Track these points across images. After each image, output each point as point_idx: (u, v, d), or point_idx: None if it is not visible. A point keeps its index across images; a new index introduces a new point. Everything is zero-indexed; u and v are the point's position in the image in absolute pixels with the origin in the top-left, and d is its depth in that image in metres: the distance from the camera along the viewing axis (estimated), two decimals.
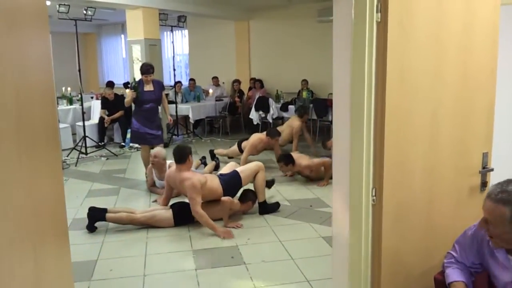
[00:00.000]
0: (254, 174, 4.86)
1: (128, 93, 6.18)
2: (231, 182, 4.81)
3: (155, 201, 5.36)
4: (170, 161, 5.52)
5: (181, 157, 4.56)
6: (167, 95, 6.47)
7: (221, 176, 4.86)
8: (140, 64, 8.33)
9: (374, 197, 2.25)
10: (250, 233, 4.37)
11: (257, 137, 6.68)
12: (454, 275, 2.00)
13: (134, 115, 6.20)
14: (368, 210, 2.28)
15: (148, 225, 4.49)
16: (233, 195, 4.80)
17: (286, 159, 5.95)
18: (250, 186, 5.02)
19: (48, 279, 1.83)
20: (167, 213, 4.52)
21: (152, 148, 6.00)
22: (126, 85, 11.48)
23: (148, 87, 6.05)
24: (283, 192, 5.61)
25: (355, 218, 2.32)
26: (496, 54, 2.48)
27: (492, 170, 2.49)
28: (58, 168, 2.06)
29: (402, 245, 2.32)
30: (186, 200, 4.79)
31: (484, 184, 2.49)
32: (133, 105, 6.28)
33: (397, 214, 2.27)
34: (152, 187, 5.76)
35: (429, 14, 2.21)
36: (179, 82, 10.39)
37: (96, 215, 4.45)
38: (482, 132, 2.49)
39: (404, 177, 2.27)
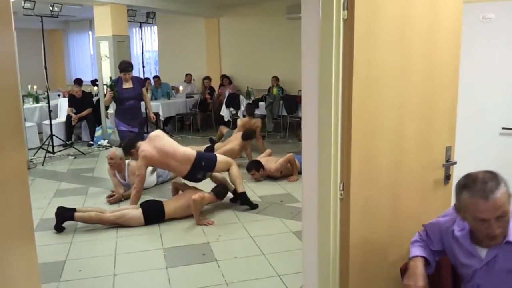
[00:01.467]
0: (228, 168, 4.86)
1: (107, 93, 6.09)
2: (206, 158, 4.82)
3: (110, 196, 5.29)
4: (128, 160, 5.47)
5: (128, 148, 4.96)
6: None
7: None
8: (107, 61, 8.25)
9: (342, 192, 2.29)
10: (222, 229, 4.37)
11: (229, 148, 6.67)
12: (416, 251, 2.04)
13: (116, 115, 6.11)
14: (336, 204, 2.32)
15: (117, 224, 4.44)
16: (200, 175, 4.79)
17: (256, 166, 5.94)
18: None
19: (14, 280, 1.79)
20: (137, 212, 4.48)
21: None
22: (93, 82, 11.29)
23: (127, 85, 5.99)
24: (254, 188, 5.64)
25: (324, 212, 2.35)
26: (459, 52, 2.56)
27: (455, 163, 2.57)
28: (22, 167, 2.01)
29: (370, 237, 2.37)
30: (157, 198, 4.76)
31: (447, 177, 2.57)
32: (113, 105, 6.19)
33: (365, 207, 2.32)
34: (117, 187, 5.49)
35: (395, 13, 2.26)
36: (148, 79, 10.27)
37: (64, 215, 4.36)
38: (445, 127, 2.57)
39: (371, 172, 2.32)
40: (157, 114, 9.30)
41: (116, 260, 3.76)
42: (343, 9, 2.17)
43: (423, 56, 2.40)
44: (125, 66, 5.95)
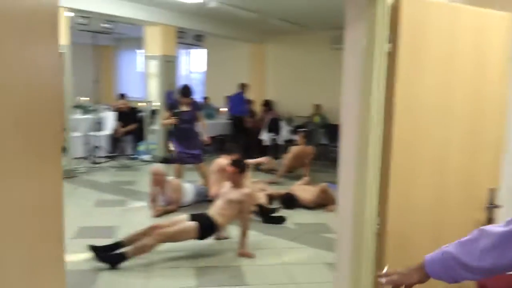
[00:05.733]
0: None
1: (170, 118, 6.24)
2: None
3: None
4: (171, 177, 5.59)
5: None
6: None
7: None
8: (155, 79, 8.43)
9: (379, 225, 2.24)
10: (255, 254, 4.34)
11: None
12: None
13: (173, 137, 6.33)
14: (371, 238, 2.27)
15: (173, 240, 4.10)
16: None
17: (289, 202, 5.92)
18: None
19: (41, 284, 1.81)
20: (192, 224, 4.12)
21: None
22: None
23: (184, 108, 6.17)
24: (289, 215, 5.59)
25: (358, 245, 2.31)
26: (506, 89, 2.48)
27: (497, 207, 2.46)
28: (58, 177, 2.05)
29: None
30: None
31: (490, 220, 2.46)
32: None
33: (402, 243, 2.25)
34: (152, 203, 5.62)
35: (441, 48, 2.24)
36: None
37: (117, 259, 3.91)
38: (489, 167, 2.48)
39: (409, 207, 2.26)
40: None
41: (148, 274, 3.80)
42: (387, 42, 2.16)
43: (468, 92, 2.35)
44: (186, 92, 6.17)
